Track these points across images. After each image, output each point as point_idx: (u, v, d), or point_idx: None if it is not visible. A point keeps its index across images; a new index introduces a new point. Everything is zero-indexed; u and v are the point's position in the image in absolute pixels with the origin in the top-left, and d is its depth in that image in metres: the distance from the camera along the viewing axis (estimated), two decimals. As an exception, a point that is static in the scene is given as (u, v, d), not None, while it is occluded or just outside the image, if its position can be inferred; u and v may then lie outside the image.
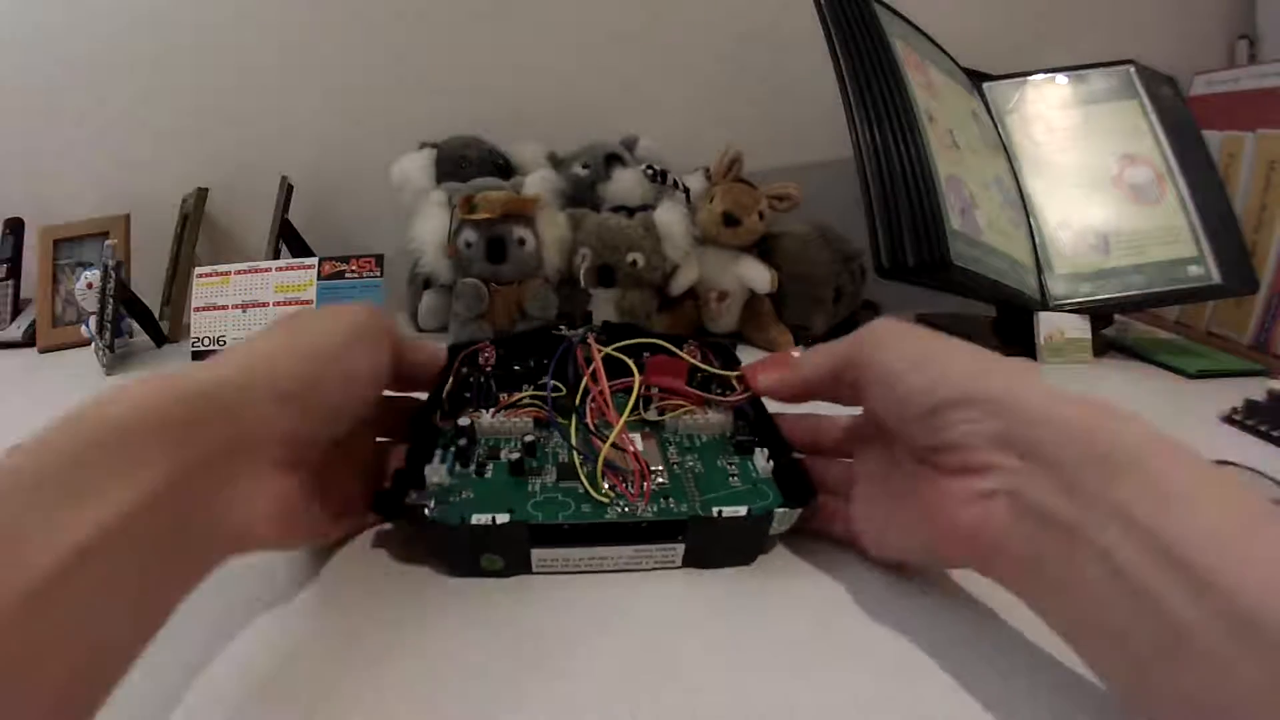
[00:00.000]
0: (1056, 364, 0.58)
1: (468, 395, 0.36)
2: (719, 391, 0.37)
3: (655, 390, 0.36)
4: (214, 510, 0.22)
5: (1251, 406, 0.44)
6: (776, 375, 0.32)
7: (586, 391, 0.34)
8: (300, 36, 0.84)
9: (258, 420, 0.24)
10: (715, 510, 0.28)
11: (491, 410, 0.35)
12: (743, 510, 0.28)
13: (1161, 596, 0.17)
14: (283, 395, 0.24)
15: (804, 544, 0.31)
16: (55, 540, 0.17)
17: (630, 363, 0.35)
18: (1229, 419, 0.44)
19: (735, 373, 0.36)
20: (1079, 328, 0.59)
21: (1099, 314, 0.61)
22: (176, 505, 0.20)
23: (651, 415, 0.35)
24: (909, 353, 0.26)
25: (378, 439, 0.35)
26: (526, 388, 0.37)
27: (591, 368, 0.35)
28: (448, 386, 0.35)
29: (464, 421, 0.33)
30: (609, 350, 0.36)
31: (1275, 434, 0.41)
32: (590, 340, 0.36)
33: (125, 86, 0.85)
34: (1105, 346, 0.61)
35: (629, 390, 0.34)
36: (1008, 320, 0.65)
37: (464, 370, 0.37)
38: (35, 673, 0.16)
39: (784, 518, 0.29)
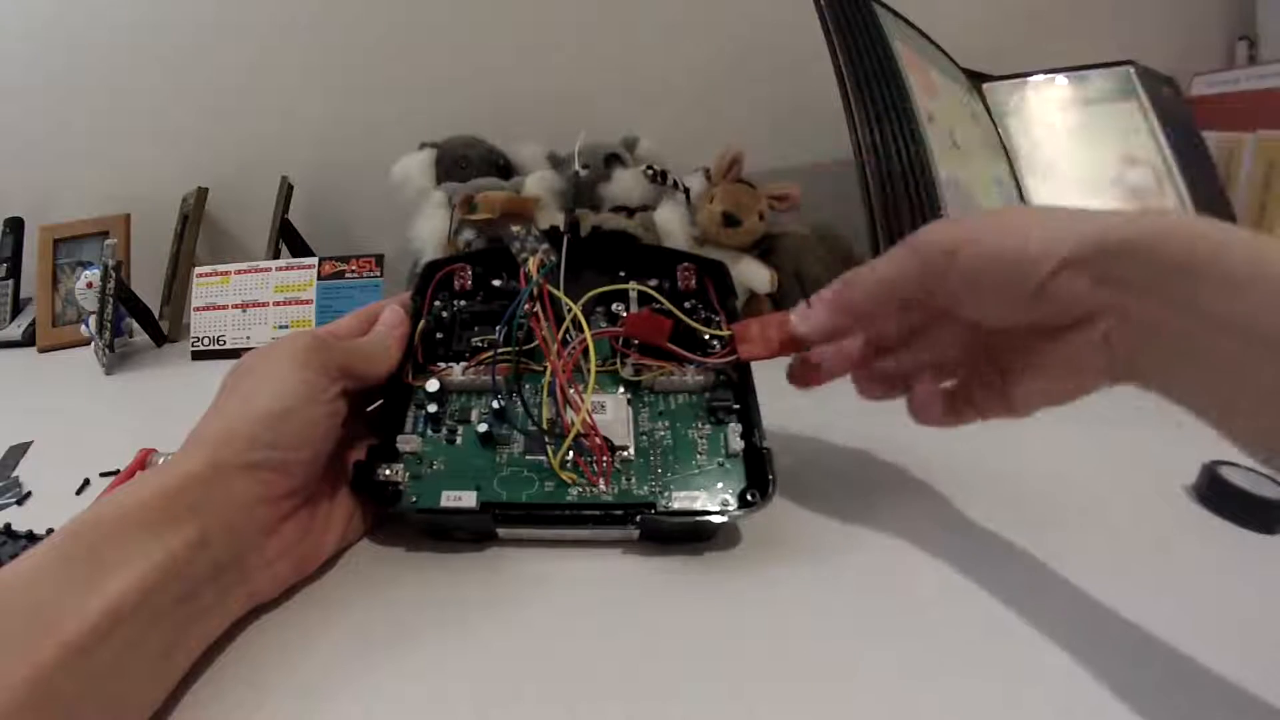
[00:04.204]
0: (1056, 364, 0.58)
1: (440, 336, 0.36)
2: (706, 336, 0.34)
3: (627, 341, 0.34)
4: (221, 581, 0.24)
5: (1251, 407, 0.44)
6: (809, 323, 0.30)
7: (564, 341, 0.34)
8: (300, 37, 0.84)
9: (234, 501, 0.25)
10: (667, 504, 0.30)
11: (462, 366, 0.35)
12: (695, 505, 0.30)
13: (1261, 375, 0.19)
14: (251, 465, 0.26)
15: (765, 522, 0.31)
16: (85, 606, 0.20)
17: (587, 330, 0.33)
18: (1229, 419, 0.44)
19: (725, 332, 0.34)
20: (1079, 328, 0.59)
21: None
22: (187, 577, 0.23)
23: (628, 373, 0.34)
24: (986, 254, 0.24)
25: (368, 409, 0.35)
26: (501, 330, 0.34)
27: (564, 331, 0.33)
28: (420, 327, 0.36)
29: (433, 386, 0.34)
30: (578, 309, 0.33)
31: (1275, 434, 0.41)
32: (545, 287, 0.34)
33: (125, 86, 0.85)
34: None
35: (607, 335, 0.34)
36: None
37: (438, 303, 0.37)
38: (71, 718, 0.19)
39: (737, 517, 0.29)
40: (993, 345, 0.27)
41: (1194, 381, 0.21)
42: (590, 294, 0.35)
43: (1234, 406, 0.21)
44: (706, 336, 0.34)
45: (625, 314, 0.36)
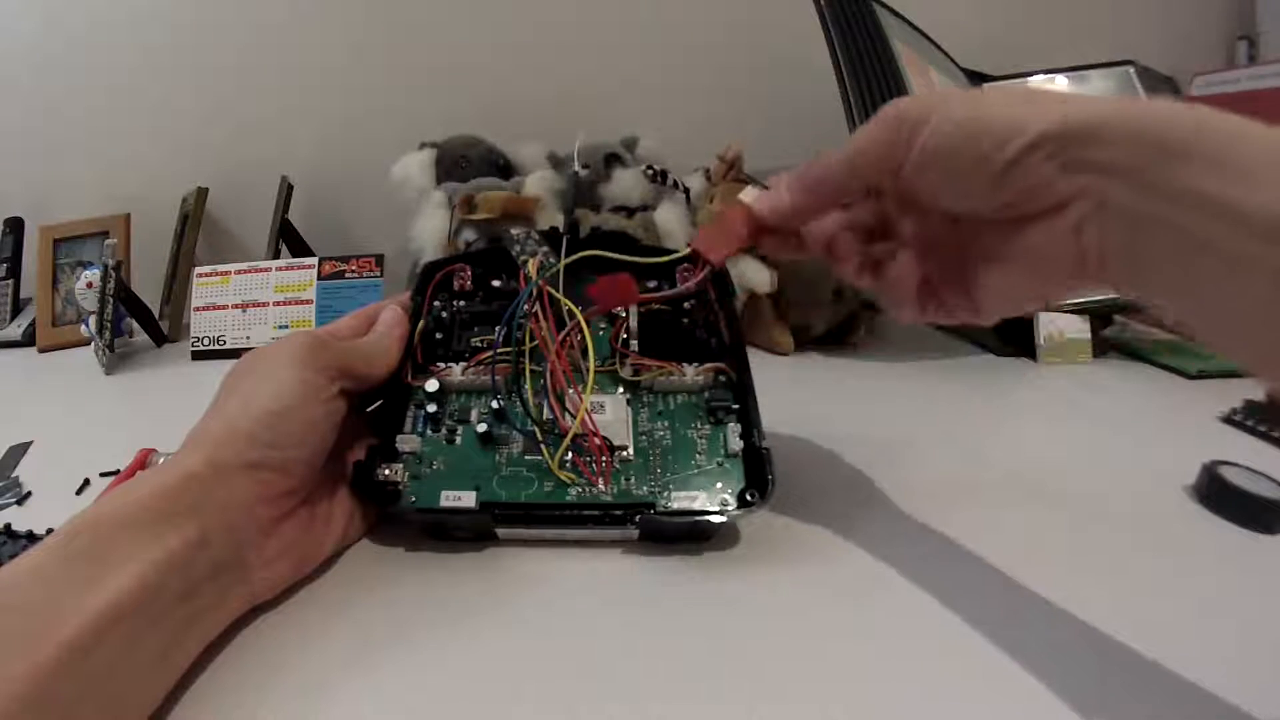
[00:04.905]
0: (1056, 364, 0.58)
1: (439, 336, 0.36)
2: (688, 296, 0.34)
3: (626, 342, 0.35)
4: (221, 580, 0.24)
5: (1251, 406, 0.44)
6: (770, 201, 0.28)
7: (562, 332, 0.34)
8: (300, 37, 0.84)
9: (233, 500, 0.25)
10: (667, 504, 0.30)
11: (461, 366, 0.35)
12: (694, 505, 0.30)
13: (1259, 264, 0.18)
14: (250, 465, 0.26)
15: (764, 522, 0.32)
16: (84, 606, 0.20)
17: (584, 323, 0.33)
18: (1229, 419, 0.44)
19: (681, 252, 0.31)
20: (1078, 328, 0.59)
21: (1099, 314, 0.61)
22: (187, 577, 0.23)
23: (627, 373, 0.34)
24: (954, 125, 0.23)
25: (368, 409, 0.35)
26: (500, 330, 0.33)
27: (566, 333, 0.34)
28: (420, 327, 0.36)
29: (432, 386, 0.34)
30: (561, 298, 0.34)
31: (1275, 434, 0.41)
32: (545, 288, 0.34)
33: (125, 86, 0.85)
34: (1105, 346, 0.61)
35: (600, 326, 0.35)
36: (1007, 321, 0.65)
37: (437, 303, 0.38)
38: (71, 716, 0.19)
39: (736, 517, 0.29)
40: (961, 236, 0.26)
41: (1177, 279, 0.20)
42: (568, 260, 0.35)
43: (1227, 308, 0.19)
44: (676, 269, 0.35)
45: (622, 312, 0.36)
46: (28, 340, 0.77)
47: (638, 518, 0.29)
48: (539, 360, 0.33)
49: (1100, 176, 0.20)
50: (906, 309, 0.28)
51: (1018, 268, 0.24)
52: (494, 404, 0.33)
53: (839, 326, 0.63)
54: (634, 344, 0.35)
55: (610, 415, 0.33)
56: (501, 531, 0.30)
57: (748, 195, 0.29)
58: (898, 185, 0.25)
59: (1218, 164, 0.18)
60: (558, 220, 0.63)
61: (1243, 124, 0.19)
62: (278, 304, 0.68)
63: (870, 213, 0.29)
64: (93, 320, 0.66)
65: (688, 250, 0.31)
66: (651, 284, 0.37)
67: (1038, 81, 0.71)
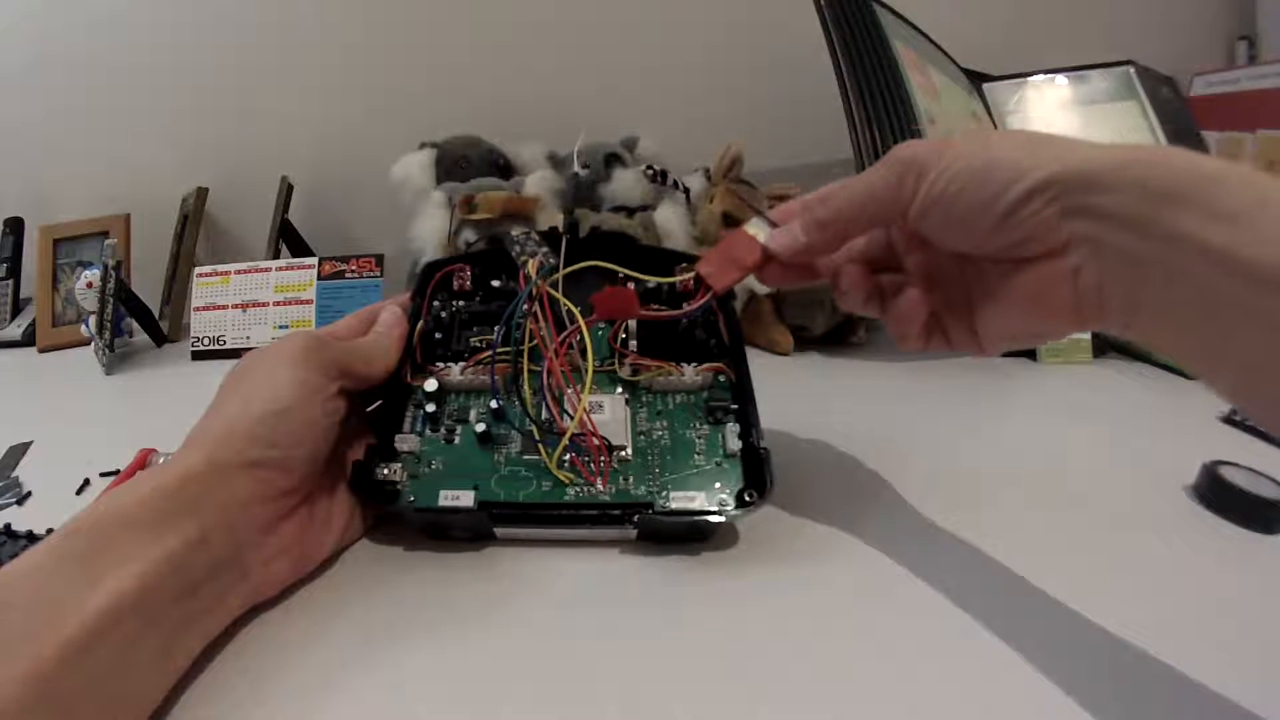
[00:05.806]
0: (1056, 364, 0.58)
1: (439, 336, 0.36)
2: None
3: (625, 342, 0.35)
4: (220, 579, 0.25)
5: (1251, 407, 0.44)
6: (785, 240, 0.29)
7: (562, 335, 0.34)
8: (300, 36, 0.84)
9: (233, 499, 0.25)
10: (665, 504, 0.30)
11: (461, 366, 0.35)
12: (692, 505, 0.30)
13: (1253, 310, 0.18)
14: (250, 464, 0.26)
15: (762, 523, 0.32)
16: (85, 605, 0.20)
17: (581, 319, 0.32)
18: (1228, 419, 0.44)
19: (688, 275, 0.32)
20: (1079, 328, 0.59)
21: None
22: (186, 576, 0.23)
23: (626, 373, 0.35)
24: (959, 170, 0.24)
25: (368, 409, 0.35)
26: (499, 330, 0.33)
27: (566, 336, 0.34)
28: (419, 327, 0.36)
29: (431, 386, 0.34)
30: (562, 299, 0.34)
31: (1275, 434, 0.41)
32: (544, 288, 0.34)
33: (125, 86, 0.85)
34: (1105, 346, 0.61)
35: (600, 326, 0.35)
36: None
37: (437, 303, 0.38)
38: (71, 715, 0.19)
39: (734, 517, 0.29)
40: (965, 273, 0.27)
41: (1174, 323, 0.20)
42: (570, 269, 0.35)
43: (1222, 349, 0.19)
44: (674, 284, 0.34)
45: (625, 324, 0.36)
46: (28, 340, 0.77)
47: (636, 518, 0.29)
48: (538, 360, 0.33)
49: (1099, 222, 0.21)
50: (911, 340, 0.29)
51: (1018, 307, 0.24)
52: (493, 404, 0.33)
53: (839, 326, 0.63)
54: (633, 344, 0.35)
55: (609, 415, 0.33)
56: (500, 531, 0.30)
57: (754, 228, 0.30)
58: (905, 225, 0.26)
59: (1212, 211, 0.19)
60: (558, 220, 0.63)
61: (1260, 175, 0.19)
62: (278, 304, 0.68)
63: (878, 245, 0.30)
64: (93, 320, 0.66)
65: (692, 275, 0.31)
66: (651, 283, 0.37)
67: (1038, 81, 0.71)
